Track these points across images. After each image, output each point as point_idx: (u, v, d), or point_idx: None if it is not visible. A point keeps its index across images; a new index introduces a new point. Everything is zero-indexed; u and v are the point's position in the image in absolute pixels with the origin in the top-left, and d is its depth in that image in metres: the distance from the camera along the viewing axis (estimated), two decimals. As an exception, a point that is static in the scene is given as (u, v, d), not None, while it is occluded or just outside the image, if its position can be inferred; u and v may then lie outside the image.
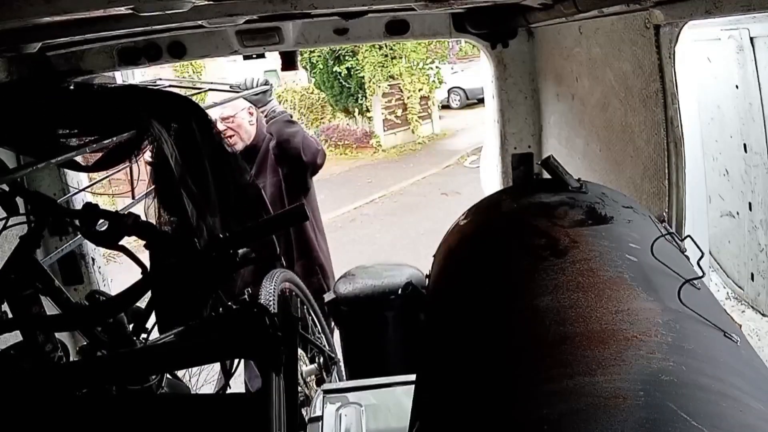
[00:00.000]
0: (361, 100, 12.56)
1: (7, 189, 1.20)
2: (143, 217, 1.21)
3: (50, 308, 1.29)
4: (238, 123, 2.56)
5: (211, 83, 2.66)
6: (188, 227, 1.22)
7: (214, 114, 2.58)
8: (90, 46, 2.07)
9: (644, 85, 1.53)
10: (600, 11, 1.51)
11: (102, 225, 1.20)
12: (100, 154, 1.30)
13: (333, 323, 2.46)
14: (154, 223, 1.28)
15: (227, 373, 1.37)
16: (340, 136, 13.12)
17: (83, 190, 2.19)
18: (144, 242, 1.18)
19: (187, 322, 1.26)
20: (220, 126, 2.54)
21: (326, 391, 1.73)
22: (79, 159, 1.35)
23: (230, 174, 1.36)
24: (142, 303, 1.25)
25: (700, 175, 1.57)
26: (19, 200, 1.22)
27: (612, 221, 1.03)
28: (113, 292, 1.67)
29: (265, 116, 2.60)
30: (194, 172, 1.27)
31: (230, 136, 2.53)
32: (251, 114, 2.62)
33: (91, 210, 1.18)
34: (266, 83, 2.55)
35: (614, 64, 1.68)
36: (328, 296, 2.21)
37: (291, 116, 2.66)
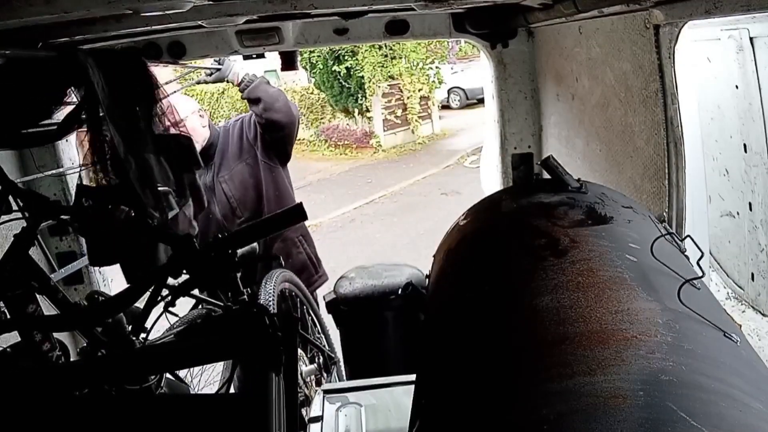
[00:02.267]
0: (361, 100, 12.56)
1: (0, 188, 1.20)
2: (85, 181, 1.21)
3: (49, 309, 1.29)
4: (191, 127, 2.48)
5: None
6: (131, 191, 1.21)
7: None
8: (90, 46, 2.07)
9: (644, 85, 1.53)
10: (600, 11, 1.51)
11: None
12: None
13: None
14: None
15: (231, 374, 1.37)
16: (340, 136, 13.12)
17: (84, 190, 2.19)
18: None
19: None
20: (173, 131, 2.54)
21: (326, 391, 1.73)
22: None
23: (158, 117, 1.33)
24: (141, 303, 1.25)
25: (700, 175, 1.57)
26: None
27: (612, 221, 1.03)
28: (113, 292, 1.67)
29: (239, 84, 2.50)
30: (127, 113, 1.25)
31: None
32: (202, 117, 2.60)
33: (82, 205, 1.18)
34: (219, 61, 2.46)
35: (614, 64, 1.68)
36: (328, 296, 2.21)
37: (267, 80, 2.58)
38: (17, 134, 1.25)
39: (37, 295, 1.24)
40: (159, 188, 1.19)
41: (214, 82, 2.54)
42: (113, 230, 1.16)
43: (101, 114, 1.19)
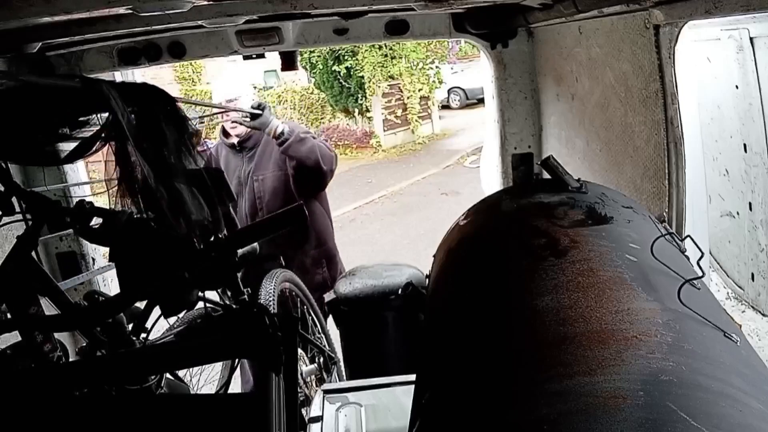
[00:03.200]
0: (361, 100, 12.57)
1: (2, 189, 1.20)
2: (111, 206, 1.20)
3: (49, 308, 1.29)
4: (242, 107, 2.59)
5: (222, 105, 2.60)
6: (166, 220, 1.21)
7: (219, 95, 2.63)
8: (90, 46, 2.07)
9: (644, 85, 1.53)
10: (600, 11, 1.51)
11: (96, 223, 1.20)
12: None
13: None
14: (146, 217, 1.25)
15: (230, 373, 1.37)
16: (340, 136, 13.12)
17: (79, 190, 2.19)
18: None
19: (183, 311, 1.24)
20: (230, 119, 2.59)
21: (326, 391, 1.73)
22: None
23: (190, 153, 1.33)
24: (142, 303, 1.25)
25: (700, 175, 1.57)
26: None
27: (612, 221, 1.03)
28: (113, 292, 1.67)
29: (275, 138, 2.53)
30: (155, 146, 1.24)
31: (233, 120, 2.58)
32: (254, 101, 2.66)
33: (84, 207, 1.17)
34: (260, 106, 2.50)
35: (614, 64, 1.68)
36: (328, 296, 2.21)
37: (301, 133, 2.60)
38: (37, 151, 1.25)
39: (39, 297, 1.25)
40: (193, 218, 1.19)
41: (251, 128, 2.55)
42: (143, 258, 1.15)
43: (129, 144, 1.19)
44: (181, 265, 1.14)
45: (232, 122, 2.59)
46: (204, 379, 2.10)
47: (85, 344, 1.30)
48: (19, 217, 1.21)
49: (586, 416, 0.62)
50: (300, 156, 2.54)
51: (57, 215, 1.20)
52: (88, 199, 1.26)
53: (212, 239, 1.21)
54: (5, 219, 1.20)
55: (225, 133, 2.71)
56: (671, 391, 0.63)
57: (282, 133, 2.51)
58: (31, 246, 1.20)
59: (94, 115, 1.21)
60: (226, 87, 2.68)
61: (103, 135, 1.21)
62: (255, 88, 14.06)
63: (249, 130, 2.62)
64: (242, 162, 2.66)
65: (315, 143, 2.58)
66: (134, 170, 1.19)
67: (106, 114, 1.20)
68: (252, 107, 2.50)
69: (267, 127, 2.50)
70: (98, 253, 2.37)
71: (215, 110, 2.55)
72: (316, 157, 2.55)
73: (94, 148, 1.23)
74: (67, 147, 1.27)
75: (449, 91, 15.58)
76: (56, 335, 1.24)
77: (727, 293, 2.16)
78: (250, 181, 2.63)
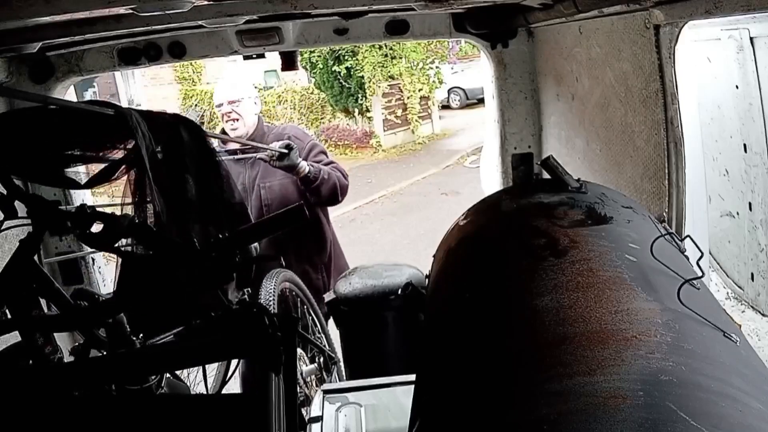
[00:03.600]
0: (361, 100, 12.56)
1: (5, 192, 1.20)
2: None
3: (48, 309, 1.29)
4: (244, 109, 2.58)
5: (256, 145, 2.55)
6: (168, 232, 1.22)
7: (221, 96, 2.61)
8: (90, 47, 2.07)
9: (644, 85, 1.53)
10: (600, 11, 1.51)
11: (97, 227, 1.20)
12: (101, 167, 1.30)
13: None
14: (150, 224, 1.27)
15: (226, 373, 1.37)
16: (340, 136, 13.11)
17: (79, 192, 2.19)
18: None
19: (181, 324, 1.25)
20: (226, 108, 2.58)
21: (326, 391, 1.73)
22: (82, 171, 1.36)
23: (218, 189, 1.35)
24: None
25: (700, 175, 1.57)
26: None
27: (611, 221, 1.03)
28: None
29: (304, 177, 2.51)
30: (177, 181, 1.26)
31: (235, 119, 2.57)
32: (256, 104, 2.67)
33: (86, 212, 1.17)
34: (288, 147, 2.45)
35: (614, 64, 1.69)
36: (328, 296, 2.21)
37: (320, 156, 2.62)
38: (58, 174, 1.27)
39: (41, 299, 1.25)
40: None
41: (281, 168, 2.49)
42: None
43: (147, 177, 1.20)
44: (181, 266, 1.14)
45: (232, 116, 2.56)
46: (199, 376, 2.10)
47: (77, 344, 1.30)
48: (21, 221, 1.21)
49: (586, 416, 0.62)
50: (323, 197, 2.57)
51: (58, 219, 1.20)
52: (88, 199, 1.26)
53: (212, 240, 1.21)
54: (8, 222, 1.21)
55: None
56: (671, 391, 0.63)
57: (308, 174, 2.50)
58: (33, 250, 1.20)
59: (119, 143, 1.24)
60: (227, 89, 2.67)
61: (125, 163, 1.23)
62: (256, 88, 14.08)
63: (253, 128, 2.61)
64: (244, 168, 2.61)
65: (335, 179, 2.57)
66: (148, 202, 1.21)
67: (132, 143, 1.22)
68: (280, 147, 2.45)
69: (295, 169, 2.47)
70: (98, 254, 2.38)
71: (244, 146, 2.51)
72: (336, 193, 2.59)
73: (116, 175, 1.25)
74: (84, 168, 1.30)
75: (449, 91, 15.58)
76: (56, 336, 1.24)
77: (727, 293, 2.16)
78: (257, 189, 2.60)
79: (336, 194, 2.60)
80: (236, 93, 2.59)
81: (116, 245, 1.17)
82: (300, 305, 2.36)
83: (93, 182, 1.29)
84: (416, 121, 12.81)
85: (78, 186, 1.35)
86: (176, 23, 1.73)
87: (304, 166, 2.50)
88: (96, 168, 1.31)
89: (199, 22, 1.65)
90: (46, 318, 1.22)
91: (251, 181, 2.61)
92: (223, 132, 2.69)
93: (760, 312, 1.99)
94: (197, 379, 1.84)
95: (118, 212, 1.25)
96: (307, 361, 2.25)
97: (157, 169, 1.20)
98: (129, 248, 1.23)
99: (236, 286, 1.30)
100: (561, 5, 1.61)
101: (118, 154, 1.28)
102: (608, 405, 0.62)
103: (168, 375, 1.37)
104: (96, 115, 1.25)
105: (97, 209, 1.19)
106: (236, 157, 2.60)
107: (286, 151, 2.44)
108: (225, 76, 2.89)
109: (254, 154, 2.56)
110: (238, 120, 2.58)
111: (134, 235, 1.16)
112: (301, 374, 2.09)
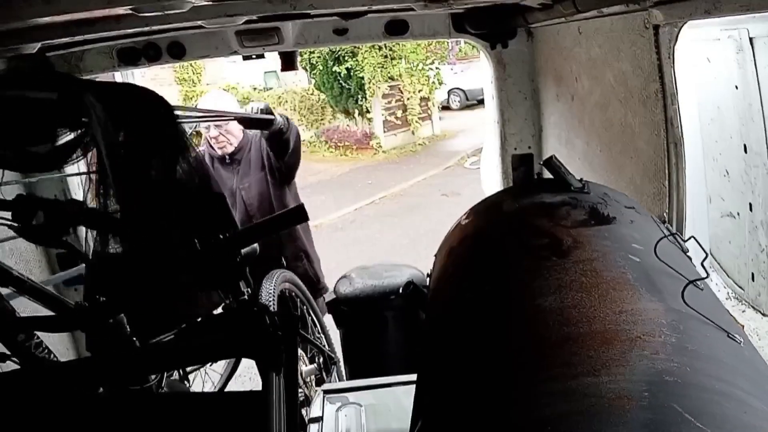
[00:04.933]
0: (361, 101, 12.56)
1: None
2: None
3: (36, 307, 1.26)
4: (229, 128, 2.61)
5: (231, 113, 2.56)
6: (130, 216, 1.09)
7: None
8: (89, 47, 2.07)
9: (644, 86, 1.53)
10: (599, 11, 1.51)
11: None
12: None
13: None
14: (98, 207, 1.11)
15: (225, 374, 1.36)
16: (340, 137, 13.11)
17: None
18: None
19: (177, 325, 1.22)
20: (214, 132, 2.61)
21: (326, 391, 1.72)
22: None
23: (188, 176, 1.20)
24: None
25: (700, 175, 1.57)
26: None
27: (614, 221, 1.03)
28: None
29: (277, 129, 2.51)
30: (140, 167, 1.12)
31: (223, 144, 2.62)
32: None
33: (25, 201, 1.02)
34: (267, 110, 2.45)
35: (614, 65, 1.68)
36: (328, 296, 2.21)
37: (284, 118, 2.62)
38: (21, 154, 1.16)
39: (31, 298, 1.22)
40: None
41: (260, 127, 2.50)
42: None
43: (105, 161, 1.07)
44: (181, 267, 1.13)
45: (219, 139, 2.59)
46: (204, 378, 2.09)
47: (86, 344, 1.29)
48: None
49: (590, 417, 0.62)
50: (292, 147, 2.54)
51: None
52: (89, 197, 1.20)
53: (213, 240, 1.20)
54: None
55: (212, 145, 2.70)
56: (675, 391, 0.63)
57: (281, 126, 2.49)
58: None
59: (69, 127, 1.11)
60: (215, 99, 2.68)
61: (84, 142, 1.12)
62: (256, 89, 14.06)
63: (240, 142, 2.62)
64: (233, 174, 2.66)
65: (296, 128, 2.59)
66: (110, 189, 1.09)
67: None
68: (255, 111, 2.43)
69: (272, 123, 2.46)
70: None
71: (226, 117, 2.51)
72: (299, 143, 2.60)
73: (75, 156, 1.13)
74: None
75: (449, 92, 15.58)
76: (57, 336, 1.23)
77: (728, 293, 2.16)
78: (238, 193, 2.65)
79: (299, 144, 2.61)
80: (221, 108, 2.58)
81: (67, 239, 1.03)
82: (300, 305, 2.36)
83: (51, 163, 1.14)
84: (416, 122, 12.81)
85: (39, 167, 1.20)
86: (176, 23, 1.72)
87: (278, 118, 2.51)
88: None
89: (199, 23, 1.64)
90: (46, 319, 1.21)
91: (234, 186, 2.65)
92: (209, 144, 2.69)
93: (760, 312, 1.99)
94: (205, 378, 1.82)
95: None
96: (307, 361, 2.24)
97: (115, 154, 1.06)
98: (95, 246, 1.10)
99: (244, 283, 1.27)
100: (560, 5, 1.61)
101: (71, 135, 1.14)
102: (613, 406, 0.61)
103: (175, 375, 1.35)
104: (42, 102, 1.09)
105: (42, 198, 1.05)
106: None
107: (271, 117, 2.43)
108: (206, 98, 2.86)
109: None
110: (226, 142, 2.62)
111: (87, 223, 1.05)
112: (301, 374, 2.08)
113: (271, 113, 2.45)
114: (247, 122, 2.46)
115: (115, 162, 1.07)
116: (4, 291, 1.24)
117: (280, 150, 2.56)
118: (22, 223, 1.03)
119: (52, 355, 1.22)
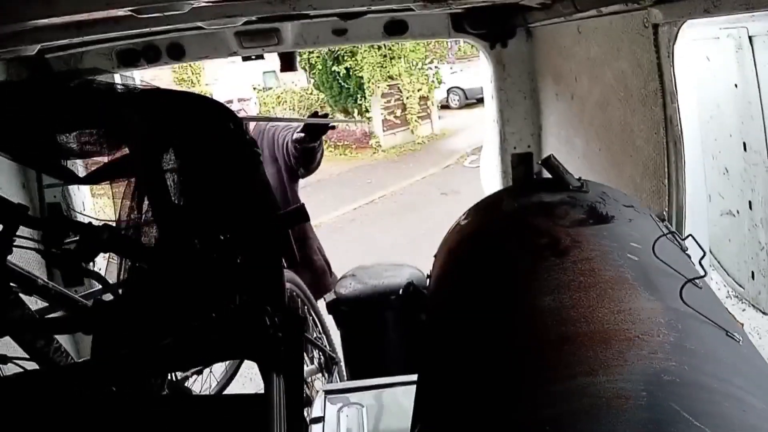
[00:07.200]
0: (361, 100, 12.56)
1: None
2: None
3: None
4: (250, 109, 2.66)
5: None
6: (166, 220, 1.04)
7: (230, 93, 2.65)
8: (89, 48, 2.07)
9: (643, 85, 1.53)
10: (598, 11, 1.51)
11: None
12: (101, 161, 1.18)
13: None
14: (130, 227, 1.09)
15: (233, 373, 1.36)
16: (340, 136, 13.11)
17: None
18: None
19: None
20: (237, 105, 2.62)
21: (327, 392, 1.73)
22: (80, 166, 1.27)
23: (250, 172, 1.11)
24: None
25: (699, 173, 1.57)
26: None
27: (613, 220, 1.03)
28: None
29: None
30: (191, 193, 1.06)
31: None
32: (256, 105, 2.79)
33: (58, 221, 0.96)
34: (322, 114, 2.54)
35: (613, 64, 1.69)
36: (328, 297, 2.21)
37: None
38: (49, 160, 1.10)
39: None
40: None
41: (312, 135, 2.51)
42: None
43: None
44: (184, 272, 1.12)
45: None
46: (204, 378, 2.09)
47: (90, 345, 1.28)
48: None
49: (589, 417, 0.62)
50: (316, 161, 2.60)
51: (26, 225, 1.00)
52: (88, 202, 1.19)
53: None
54: None
55: None
56: (674, 391, 0.63)
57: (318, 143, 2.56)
58: (4, 252, 1.05)
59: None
60: (233, 87, 2.70)
61: (124, 168, 1.07)
62: (255, 89, 14.07)
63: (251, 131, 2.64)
64: None
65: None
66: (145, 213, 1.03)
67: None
68: (311, 116, 2.50)
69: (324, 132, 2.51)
70: (99, 255, 2.36)
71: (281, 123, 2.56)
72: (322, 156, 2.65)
73: (115, 177, 1.09)
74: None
75: (448, 91, 15.56)
76: (58, 336, 1.24)
77: (727, 292, 2.16)
78: None
79: (322, 156, 2.67)
80: (244, 92, 2.65)
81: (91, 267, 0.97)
82: (301, 305, 2.36)
83: (92, 179, 1.11)
84: (415, 121, 12.81)
85: (76, 180, 1.18)
86: (175, 25, 1.72)
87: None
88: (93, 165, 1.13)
89: (198, 24, 1.65)
90: (51, 320, 1.21)
91: None
92: None
93: (760, 310, 1.99)
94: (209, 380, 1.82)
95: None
96: (308, 362, 2.25)
97: (155, 179, 0.99)
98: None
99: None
100: (560, 5, 1.61)
101: (117, 154, 1.09)
102: (611, 405, 0.62)
103: (176, 378, 1.35)
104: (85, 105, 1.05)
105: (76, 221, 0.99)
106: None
107: (325, 121, 2.50)
108: (226, 76, 2.92)
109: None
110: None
111: (116, 249, 1.00)
112: (302, 375, 2.08)
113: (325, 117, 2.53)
114: (308, 127, 2.46)
115: (155, 188, 1.00)
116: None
117: (307, 161, 2.59)
118: (51, 245, 0.98)
119: (69, 358, 1.21)
